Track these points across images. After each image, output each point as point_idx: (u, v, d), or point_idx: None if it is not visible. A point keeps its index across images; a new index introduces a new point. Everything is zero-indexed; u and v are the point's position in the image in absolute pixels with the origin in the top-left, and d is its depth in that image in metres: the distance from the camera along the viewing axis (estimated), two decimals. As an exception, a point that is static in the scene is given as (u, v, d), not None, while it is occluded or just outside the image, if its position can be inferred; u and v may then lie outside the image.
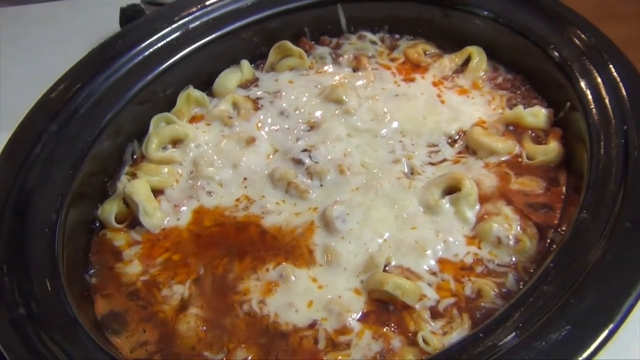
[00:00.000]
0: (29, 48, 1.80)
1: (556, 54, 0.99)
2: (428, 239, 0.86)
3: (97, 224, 0.96)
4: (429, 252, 0.85)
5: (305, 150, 1.01)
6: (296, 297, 0.81)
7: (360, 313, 0.80)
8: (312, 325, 0.79)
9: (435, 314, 0.79)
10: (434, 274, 0.83)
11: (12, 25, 1.92)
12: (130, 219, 0.95)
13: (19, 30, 1.89)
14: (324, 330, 0.78)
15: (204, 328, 0.81)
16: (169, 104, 1.11)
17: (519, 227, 0.86)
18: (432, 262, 0.84)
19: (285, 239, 0.89)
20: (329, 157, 0.99)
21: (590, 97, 0.90)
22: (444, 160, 0.99)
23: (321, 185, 0.96)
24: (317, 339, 0.77)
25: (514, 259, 0.83)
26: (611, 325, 0.62)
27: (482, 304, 0.79)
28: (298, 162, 0.99)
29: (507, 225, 0.86)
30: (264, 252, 0.88)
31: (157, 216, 0.94)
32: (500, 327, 0.66)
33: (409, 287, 0.79)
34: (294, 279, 0.83)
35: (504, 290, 0.80)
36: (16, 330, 0.69)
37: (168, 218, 0.95)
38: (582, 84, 0.92)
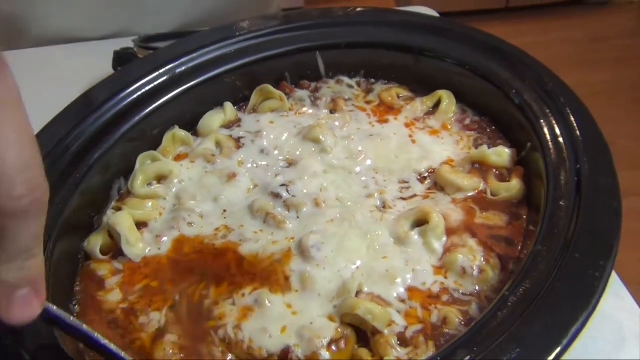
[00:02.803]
0: (24, 90, 1.85)
1: (517, 97, 1.06)
2: (398, 268, 0.91)
3: (83, 255, 0.99)
4: (398, 280, 0.89)
5: (283, 185, 1.06)
6: (270, 322, 0.84)
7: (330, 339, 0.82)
8: (286, 351, 0.81)
9: (402, 340, 0.82)
10: (402, 301, 0.87)
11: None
12: (115, 250, 0.99)
13: (14, 73, 1.95)
14: (296, 357, 0.81)
15: (181, 355, 0.83)
16: (155, 143, 1.16)
17: (482, 258, 0.91)
18: (402, 290, 0.88)
19: (262, 265, 0.93)
20: (306, 191, 1.04)
21: (548, 137, 0.97)
22: (414, 195, 1.04)
23: (298, 217, 1.01)
24: (290, 364, 0.80)
25: (477, 288, 0.88)
26: (558, 349, 0.67)
27: (447, 330, 0.83)
28: (276, 195, 1.04)
29: (472, 256, 0.91)
30: (240, 277, 0.92)
31: (139, 246, 0.98)
32: (457, 350, 0.70)
33: (379, 312, 0.83)
34: (269, 304, 0.86)
35: (467, 318, 0.84)
36: (4, 357, 0.72)
37: (149, 248, 0.99)
38: (541, 125, 0.99)
